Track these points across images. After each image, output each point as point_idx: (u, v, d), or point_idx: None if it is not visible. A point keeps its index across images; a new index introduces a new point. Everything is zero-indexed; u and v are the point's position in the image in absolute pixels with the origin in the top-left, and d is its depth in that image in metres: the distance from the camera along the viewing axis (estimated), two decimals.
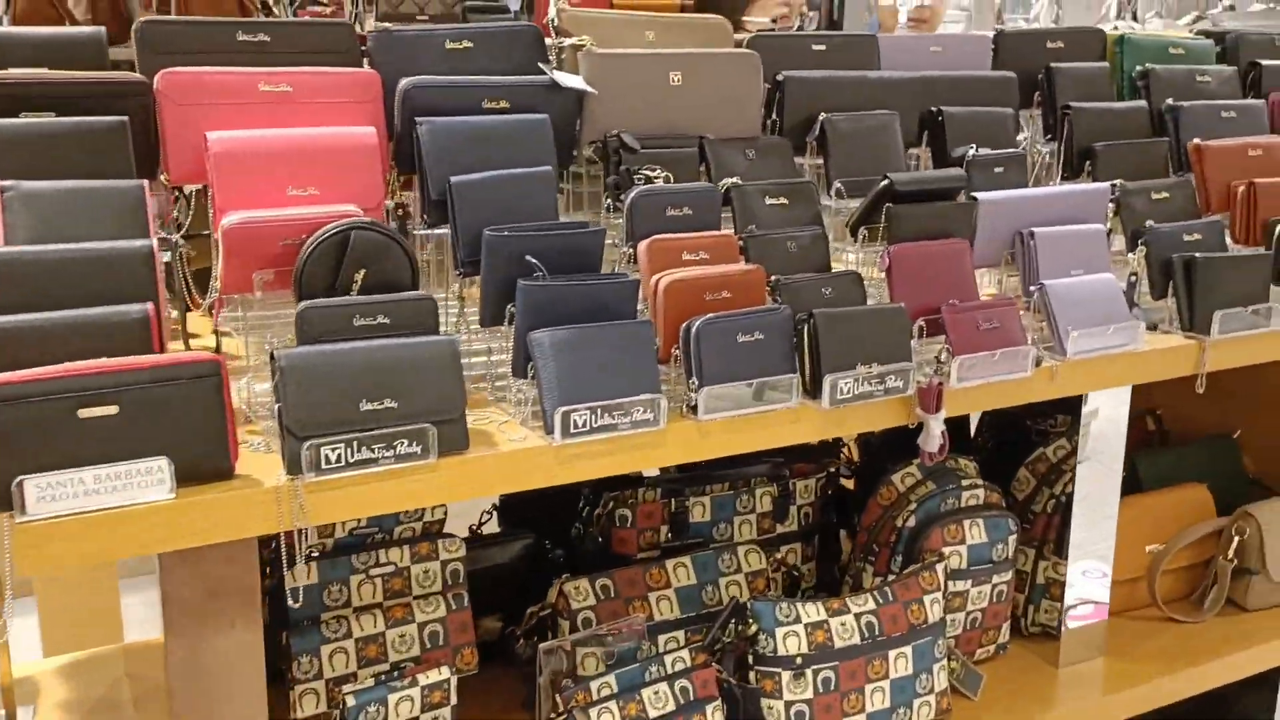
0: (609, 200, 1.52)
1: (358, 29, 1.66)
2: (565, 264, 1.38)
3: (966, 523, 1.80)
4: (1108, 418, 1.86)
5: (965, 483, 1.83)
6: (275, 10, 2.91)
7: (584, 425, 1.28)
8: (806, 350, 1.43)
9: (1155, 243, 1.78)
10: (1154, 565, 2.02)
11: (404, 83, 1.44)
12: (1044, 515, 1.93)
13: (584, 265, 1.40)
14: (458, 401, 1.23)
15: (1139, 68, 2.02)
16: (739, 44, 1.73)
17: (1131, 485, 2.20)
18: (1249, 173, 1.93)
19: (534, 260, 1.34)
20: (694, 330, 1.36)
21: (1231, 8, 5.08)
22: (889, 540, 1.81)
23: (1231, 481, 2.33)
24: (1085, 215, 1.76)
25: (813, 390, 1.43)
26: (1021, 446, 2.03)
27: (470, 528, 1.93)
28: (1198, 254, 1.74)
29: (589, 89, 1.52)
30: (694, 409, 1.36)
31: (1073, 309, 1.64)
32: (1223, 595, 2.03)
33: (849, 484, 2.18)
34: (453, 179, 1.39)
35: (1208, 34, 2.19)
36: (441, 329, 1.49)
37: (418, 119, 1.42)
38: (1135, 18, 4.86)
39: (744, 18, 1.87)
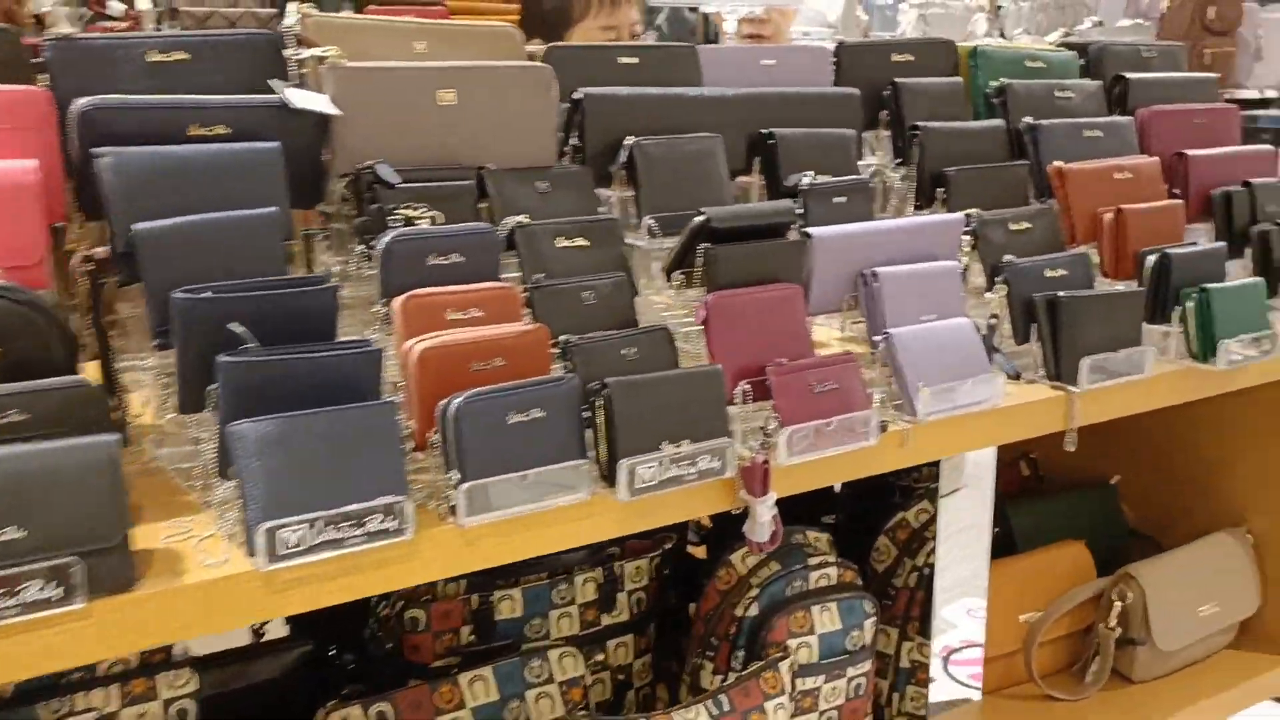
0: (360, 248, 1.24)
1: None
2: (289, 331, 1.09)
3: (816, 608, 1.55)
4: (971, 477, 1.64)
5: (814, 561, 1.59)
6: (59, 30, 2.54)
7: (300, 544, 0.99)
8: (601, 428, 1.17)
9: (1015, 280, 1.56)
10: (1030, 637, 1.81)
11: (79, 104, 1.13)
12: (906, 590, 1.71)
13: (314, 332, 1.11)
14: (115, 524, 0.93)
15: (994, 83, 1.82)
16: (532, 57, 1.47)
17: (1005, 540, 2.01)
18: (1117, 198, 1.73)
19: (239, 328, 1.05)
20: (452, 410, 1.08)
21: (1100, 24, 5.03)
22: (728, 632, 1.56)
23: (1111, 532, 2.15)
24: (937, 250, 1.54)
25: (609, 477, 1.17)
26: (886, 505, 1.81)
27: (253, 629, 1.61)
28: (1061, 293, 1.53)
29: (332, 110, 1.24)
30: (456, 509, 1.08)
31: (924, 361, 1.41)
32: (1106, 667, 1.82)
33: (700, 551, 1.92)
34: (137, 226, 1.09)
35: (1070, 46, 2.01)
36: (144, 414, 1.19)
37: (97, 149, 1.12)
38: (1004, 35, 4.77)
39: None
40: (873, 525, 1.81)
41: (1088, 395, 1.54)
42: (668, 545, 1.71)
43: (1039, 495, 2.16)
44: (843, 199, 1.54)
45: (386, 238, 1.20)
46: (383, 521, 1.03)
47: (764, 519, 1.25)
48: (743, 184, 1.60)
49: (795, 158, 1.56)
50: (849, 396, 1.31)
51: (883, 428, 1.34)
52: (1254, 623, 1.97)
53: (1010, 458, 2.31)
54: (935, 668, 1.72)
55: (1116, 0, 5.03)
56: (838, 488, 2.07)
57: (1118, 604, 1.81)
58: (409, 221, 1.24)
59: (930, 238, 1.54)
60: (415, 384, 1.13)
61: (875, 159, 1.77)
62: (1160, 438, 2.13)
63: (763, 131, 1.56)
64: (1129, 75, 1.94)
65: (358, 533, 1.02)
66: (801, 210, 1.51)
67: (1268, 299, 1.79)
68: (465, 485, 1.07)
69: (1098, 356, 1.53)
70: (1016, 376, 1.57)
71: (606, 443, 1.16)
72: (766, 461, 1.23)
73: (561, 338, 1.22)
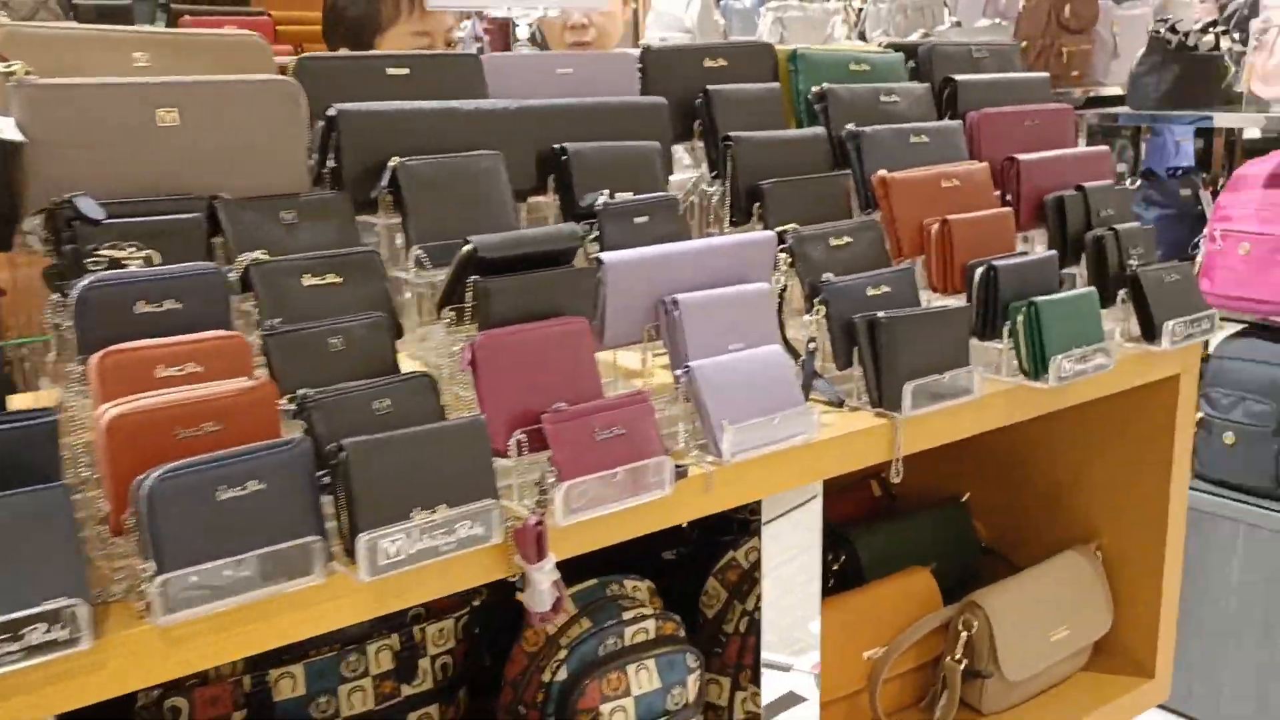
0: (55, 296, 1.06)
1: None
2: None
3: (632, 667, 1.42)
4: (798, 503, 1.52)
5: (629, 615, 1.45)
6: None
7: None
8: (342, 498, 1.01)
9: (834, 300, 1.45)
10: (874, 674, 1.70)
11: None
12: (737, 636, 1.58)
13: None
14: None
15: (815, 88, 1.71)
16: (283, 70, 1.31)
17: (852, 570, 1.91)
18: (944, 207, 1.64)
19: None
20: (145, 489, 0.92)
21: (959, 24, 5.04)
22: (536, 699, 1.41)
23: (963, 551, 2.07)
24: (749, 272, 1.42)
25: (353, 553, 1.01)
26: (721, 542, 1.69)
27: None
28: (881, 313, 1.42)
29: (14, 135, 1.06)
30: (152, 606, 0.91)
31: (729, 395, 1.28)
32: (954, 701, 1.73)
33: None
34: None
35: (898, 47, 1.92)
36: None
37: None
38: (864, 38, 4.74)
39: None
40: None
41: (914, 421, 1.44)
42: (476, 602, 1.55)
43: (887, 519, 2.06)
44: (645, 218, 1.41)
45: (81, 283, 1.03)
46: (49, 631, 0.86)
47: (542, 586, 1.10)
48: (539, 205, 1.46)
49: (592, 175, 1.43)
50: (639, 442, 1.17)
51: (682, 473, 1.21)
52: (1107, 643, 1.90)
53: (860, 478, 2.22)
54: (806, 686, 1.61)
55: (974, 1, 5.03)
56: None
57: (963, 634, 1.72)
58: (115, 264, 1.07)
59: (740, 258, 1.42)
60: (106, 457, 0.95)
61: (692, 173, 1.64)
62: (1012, 451, 2.05)
63: (555, 147, 1.42)
64: (957, 77, 1.85)
65: (14, 648, 0.84)
66: (597, 233, 1.37)
67: (1102, 308, 1.72)
68: (161, 578, 0.91)
69: (922, 380, 1.42)
70: (839, 404, 1.46)
71: (347, 514, 1.01)
72: (540, 523, 1.08)
73: (300, 392, 1.06)
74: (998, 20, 4.99)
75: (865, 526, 1.98)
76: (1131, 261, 1.73)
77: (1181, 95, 2.96)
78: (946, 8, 5.24)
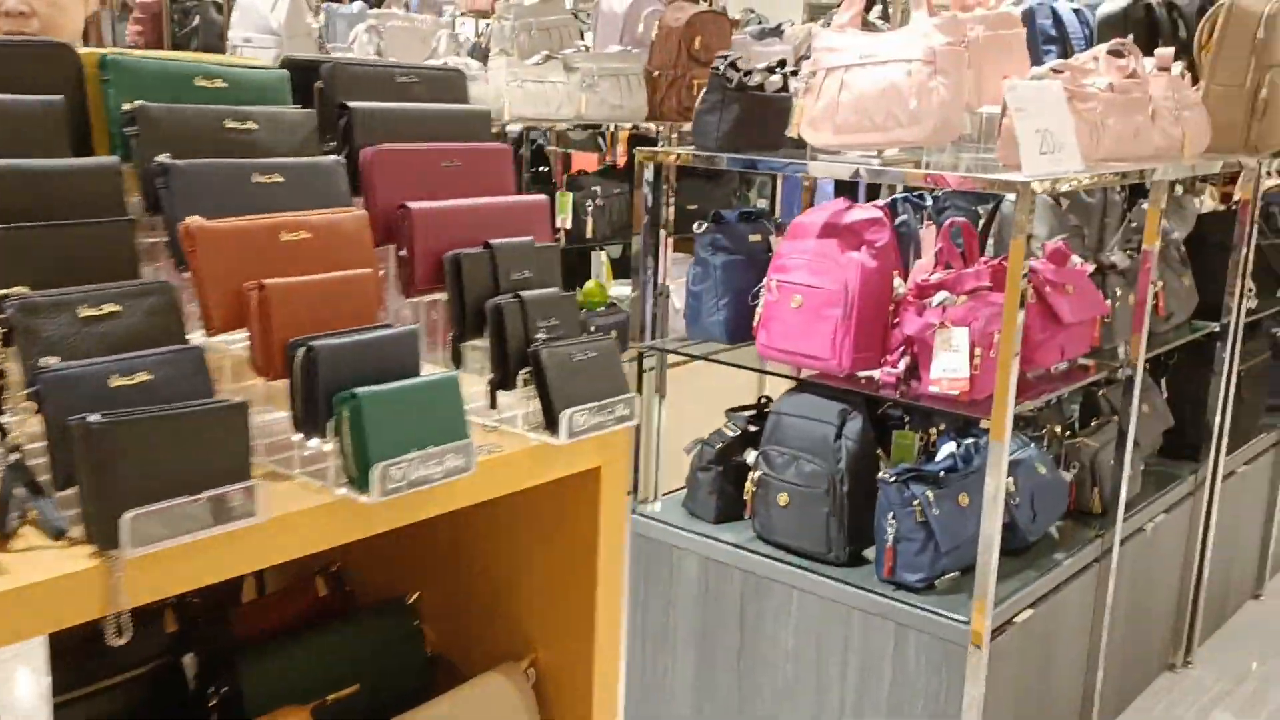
0: None
1: None
2: None
3: None
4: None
5: None
6: None
7: None
8: None
9: (54, 394, 1.07)
10: None
11: None
12: None
13: None
14: None
15: (128, 105, 1.33)
16: None
17: (234, 706, 1.54)
18: (281, 267, 1.29)
19: None
20: None
21: (588, 49, 4.85)
22: None
23: (408, 663, 1.74)
24: None
25: None
26: None
27: None
28: (95, 417, 1.05)
29: None
30: None
31: None
32: None
33: None
34: None
35: (292, 63, 1.56)
36: None
37: None
38: (485, 58, 4.44)
39: None
40: None
41: (153, 559, 1.07)
42: None
43: (310, 630, 1.71)
44: None
45: None
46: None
47: None
48: None
49: None
50: None
51: None
52: None
53: (305, 573, 1.86)
54: None
55: (611, 27, 4.85)
56: None
57: None
58: None
59: None
60: None
61: None
62: (462, 544, 1.75)
63: None
64: (354, 104, 1.52)
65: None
66: None
67: (503, 390, 1.44)
68: None
69: (151, 509, 1.06)
70: (59, 535, 1.08)
71: None
72: None
73: None
74: (630, 48, 4.83)
75: (261, 645, 1.61)
76: (539, 335, 1.46)
77: (743, 136, 2.80)
78: (583, 27, 5.05)
